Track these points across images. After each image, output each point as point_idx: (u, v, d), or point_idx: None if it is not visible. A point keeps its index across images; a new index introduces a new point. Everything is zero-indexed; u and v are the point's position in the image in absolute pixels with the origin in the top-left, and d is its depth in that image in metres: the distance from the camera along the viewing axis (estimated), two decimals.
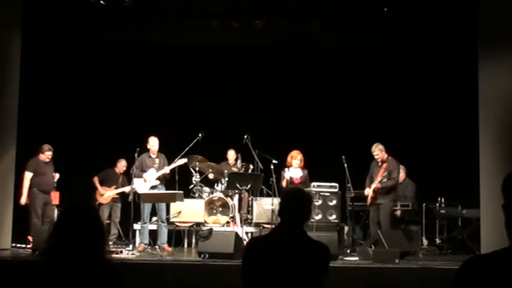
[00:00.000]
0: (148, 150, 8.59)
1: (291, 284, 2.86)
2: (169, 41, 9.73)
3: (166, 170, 8.52)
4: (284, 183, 8.40)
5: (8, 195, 8.24)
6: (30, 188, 8.41)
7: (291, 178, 8.41)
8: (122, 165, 9.82)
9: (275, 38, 9.46)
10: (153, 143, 8.56)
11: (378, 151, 8.18)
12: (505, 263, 1.83)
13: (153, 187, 8.48)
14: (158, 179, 8.52)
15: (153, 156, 8.60)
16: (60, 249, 2.43)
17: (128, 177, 9.48)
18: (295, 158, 8.45)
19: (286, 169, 8.49)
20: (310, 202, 3.09)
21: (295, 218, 2.99)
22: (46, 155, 8.54)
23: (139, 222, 8.63)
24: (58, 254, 2.43)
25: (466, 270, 1.87)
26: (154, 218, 8.70)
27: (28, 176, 8.40)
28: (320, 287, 2.91)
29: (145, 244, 8.33)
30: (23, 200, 8.39)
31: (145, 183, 8.47)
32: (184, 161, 8.67)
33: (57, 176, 8.72)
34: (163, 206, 8.48)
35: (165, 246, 8.39)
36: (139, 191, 8.32)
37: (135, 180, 8.45)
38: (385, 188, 8.03)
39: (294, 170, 8.46)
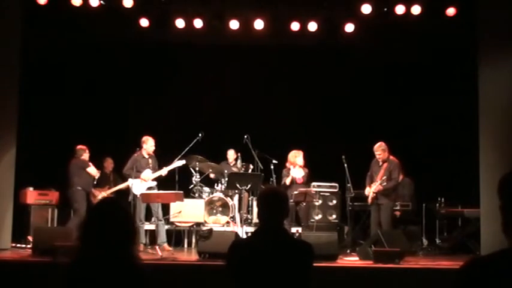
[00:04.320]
0: (141, 150, 8.54)
1: (277, 286, 2.85)
2: (168, 40, 9.71)
3: (164, 171, 8.51)
4: (288, 182, 8.39)
5: (8, 195, 8.24)
6: (72, 187, 8.58)
7: (293, 177, 8.41)
8: (109, 163, 9.79)
9: (274, 38, 9.44)
10: (152, 143, 8.54)
11: (381, 151, 8.17)
12: (505, 264, 1.83)
13: (149, 188, 8.45)
14: (154, 179, 8.51)
15: (147, 156, 8.56)
16: (88, 249, 2.43)
17: (118, 174, 9.47)
18: (296, 158, 8.44)
19: (290, 166, 8.48)
20: (286, 200, 3.10)
21: (274, 218, 3.00)
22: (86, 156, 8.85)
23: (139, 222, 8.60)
24: (87, 253, 2.43)
25: (466, 272, 1.87)
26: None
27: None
28: (307, 287, 2.91)
29: (143, 244, 8.32)
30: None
31: (142, 183, 8.43)
32: (182, 162, 8.67)
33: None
34: (157, 203, 8.43)
35: (165, 246, 8.39)
36: (136, 192, 8.29)
37: (132, 181, 8.40)
38: (386, 190, 8.04)
39: (296, 170, 8.45)
